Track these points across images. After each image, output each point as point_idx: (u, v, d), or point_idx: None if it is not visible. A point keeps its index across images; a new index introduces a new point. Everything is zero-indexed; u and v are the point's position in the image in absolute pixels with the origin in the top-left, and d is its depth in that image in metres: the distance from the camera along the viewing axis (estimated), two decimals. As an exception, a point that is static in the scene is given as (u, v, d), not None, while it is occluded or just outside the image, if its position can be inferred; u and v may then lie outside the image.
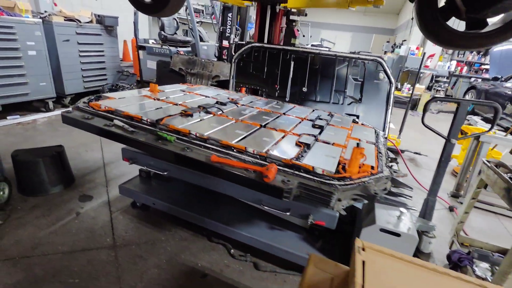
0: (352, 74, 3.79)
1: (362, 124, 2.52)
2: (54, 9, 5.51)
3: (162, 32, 5.91)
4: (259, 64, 3.86)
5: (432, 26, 2.16)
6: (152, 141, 1.57)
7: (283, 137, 1.83)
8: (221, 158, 1.39)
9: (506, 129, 3.53)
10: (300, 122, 2.26)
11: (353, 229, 1.96)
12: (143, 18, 6.90)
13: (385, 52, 15.22)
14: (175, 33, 6.35)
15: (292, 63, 3.82)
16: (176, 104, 2.28)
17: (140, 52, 5.68)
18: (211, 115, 2.11)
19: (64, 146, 2.83)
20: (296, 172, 1.40)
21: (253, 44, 3.83)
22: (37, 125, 4.22)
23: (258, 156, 1.52)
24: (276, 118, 2.29)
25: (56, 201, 2.52)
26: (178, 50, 5.64)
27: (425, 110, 1.84)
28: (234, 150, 1.56)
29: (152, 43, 6.25)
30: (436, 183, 1.94)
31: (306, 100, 3.87)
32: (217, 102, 2.46)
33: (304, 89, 3.85)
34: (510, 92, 6.42)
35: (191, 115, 2.00)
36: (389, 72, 3.71)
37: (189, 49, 6.14)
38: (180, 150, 1.50)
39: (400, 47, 12.42)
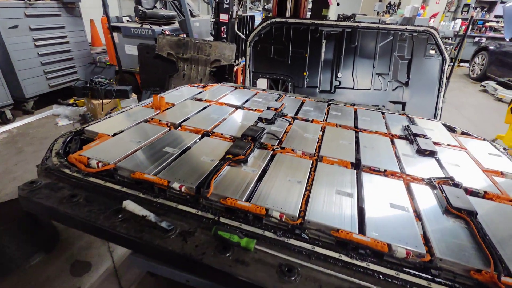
0: (398, 51, 3.02)
1: (462, 132, 1.82)
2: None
3: (140, 7, 4.71)
4: (282, 46, 2.97)
5: None
6: (216, 261, 0.79)
7: (409, 193, 1.12)
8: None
9: None
10: (393, 145, 1.53)
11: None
12: (110, -12, 5.53)
13: (378, 13, 14.22)
14: (154, 7, 5.13)
15: (324, 42, 2.96)
16: (207, 134, 1.47)
17: (115, 34, 4.52)
18: (269, 151, 1.34)
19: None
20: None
21: (274, 20, 2.89)
22: (-6, 145, 3.22)
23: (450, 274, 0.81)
24: (360, 145, 1.54)
25: (39, 280, 1.73)
26: (163, 30, 4.52)
27: None
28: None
29: (127, 21, 5.02)
30: None
31: (341, 89, 3.09)
32: (260, 120, 1.66)
33: (339, 75, 3.04)
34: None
35: (245, 161, 1.21)
36: (442, 45, 2.97)
37: (176, 26, 4.98)
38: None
39: (398, 7, 11.52)
